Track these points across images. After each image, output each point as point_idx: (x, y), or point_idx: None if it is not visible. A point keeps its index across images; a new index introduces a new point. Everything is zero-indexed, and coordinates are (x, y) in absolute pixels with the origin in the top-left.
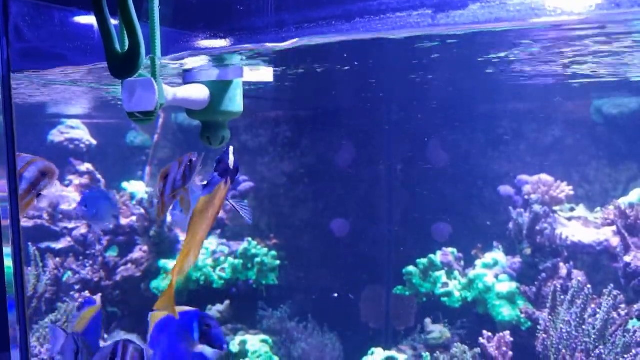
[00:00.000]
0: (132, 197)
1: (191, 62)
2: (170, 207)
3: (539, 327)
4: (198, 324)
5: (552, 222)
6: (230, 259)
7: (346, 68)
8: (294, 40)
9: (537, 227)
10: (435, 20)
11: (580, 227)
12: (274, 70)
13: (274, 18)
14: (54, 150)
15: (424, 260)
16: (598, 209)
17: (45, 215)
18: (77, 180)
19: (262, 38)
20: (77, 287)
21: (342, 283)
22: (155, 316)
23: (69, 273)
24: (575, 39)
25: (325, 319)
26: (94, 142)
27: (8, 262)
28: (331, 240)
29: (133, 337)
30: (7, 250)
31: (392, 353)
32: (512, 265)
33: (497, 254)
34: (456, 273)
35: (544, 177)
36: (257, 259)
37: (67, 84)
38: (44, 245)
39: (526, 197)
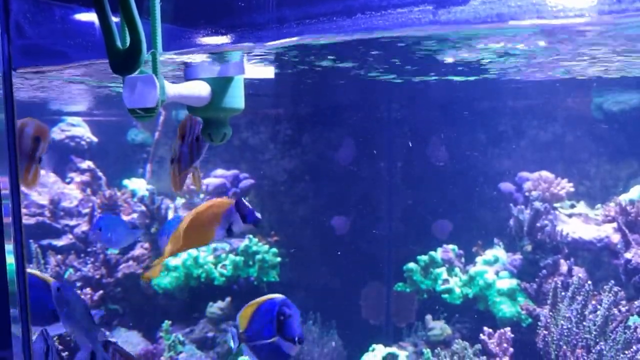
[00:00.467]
0: (133, 194)
1: (192, 59)
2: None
3: (539, 323)
4: (276, 313)
5: (553, 219)
6: (232, 256)
7: (347, 64)
8: (295, 38)
9: (538, 224)
10: (436, 17)
11: (581, 223)
12: (275, 67)
13: (274, 14)
14: (55, 148)
15: (424, 257)
16: (598, 205)
17: (46, 212)
18: (78, 178)
19: (262, 34)
20: (78, 284)
21: (343, 280)
22: (252, 304)
23: (71, 270)
24: (575, 34)
25: (326, 315)
26: (95, 139)
27: (10, 259)
28: (332, 237)
29: (134, 334)
30: (9, 247)
31: (393, 349)
32: (513, 262)
33: (497, 251)
34: (457, 270)
35: (545, 173)
36: (258, 256)
37: (67, 80)
38: (45, 242)
39: (527, 193)
